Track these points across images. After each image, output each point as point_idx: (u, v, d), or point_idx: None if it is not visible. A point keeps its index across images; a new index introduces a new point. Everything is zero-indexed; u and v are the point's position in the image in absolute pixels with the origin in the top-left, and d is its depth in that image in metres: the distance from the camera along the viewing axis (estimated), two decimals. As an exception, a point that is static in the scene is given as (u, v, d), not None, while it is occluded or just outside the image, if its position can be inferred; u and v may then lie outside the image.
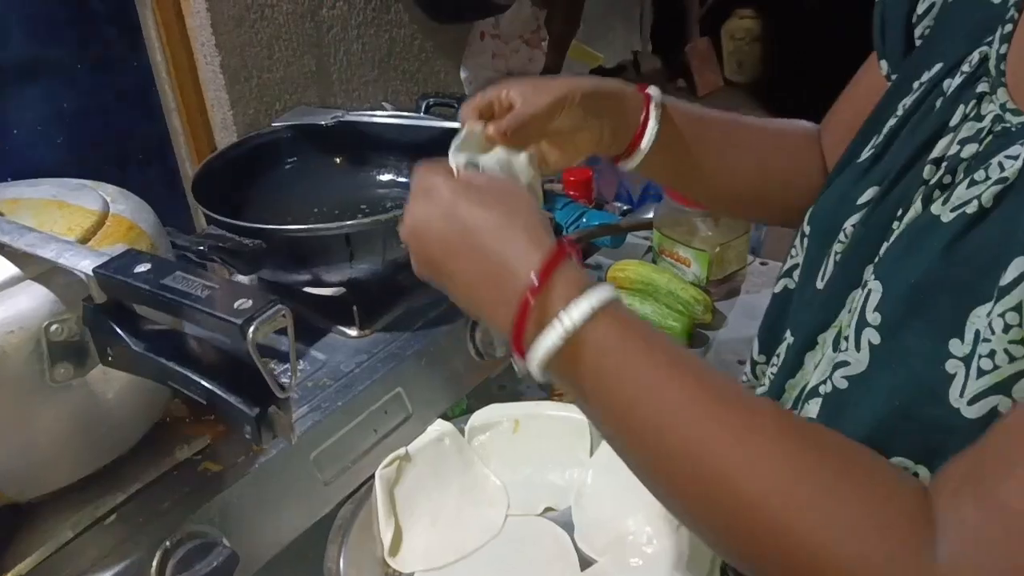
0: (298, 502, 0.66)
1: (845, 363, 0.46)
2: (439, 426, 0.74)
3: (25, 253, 0.53)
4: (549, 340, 0.42)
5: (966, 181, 0.44)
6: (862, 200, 0.53)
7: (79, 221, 0.59)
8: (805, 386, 0.52)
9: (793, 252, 0.60)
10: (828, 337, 0.52)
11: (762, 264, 1.06)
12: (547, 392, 0.85)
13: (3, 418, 0.53)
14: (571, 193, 1.12)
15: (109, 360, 0.53)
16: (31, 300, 0.53)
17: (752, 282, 1.02)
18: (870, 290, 0.46)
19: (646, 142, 0.62)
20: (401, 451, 0.71)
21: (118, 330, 0.50)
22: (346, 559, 0.63)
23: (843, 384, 0.46)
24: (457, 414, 0.79)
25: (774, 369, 0.58)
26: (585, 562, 0.65)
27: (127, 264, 0.48)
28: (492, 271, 0.45)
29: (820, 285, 0.54)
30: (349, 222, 0.72)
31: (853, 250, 0.52)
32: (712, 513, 0.41)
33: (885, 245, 0.48)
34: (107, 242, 0.58)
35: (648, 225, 1.03)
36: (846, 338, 0.47)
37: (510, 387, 0.88)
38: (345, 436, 0.69)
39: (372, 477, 0.69)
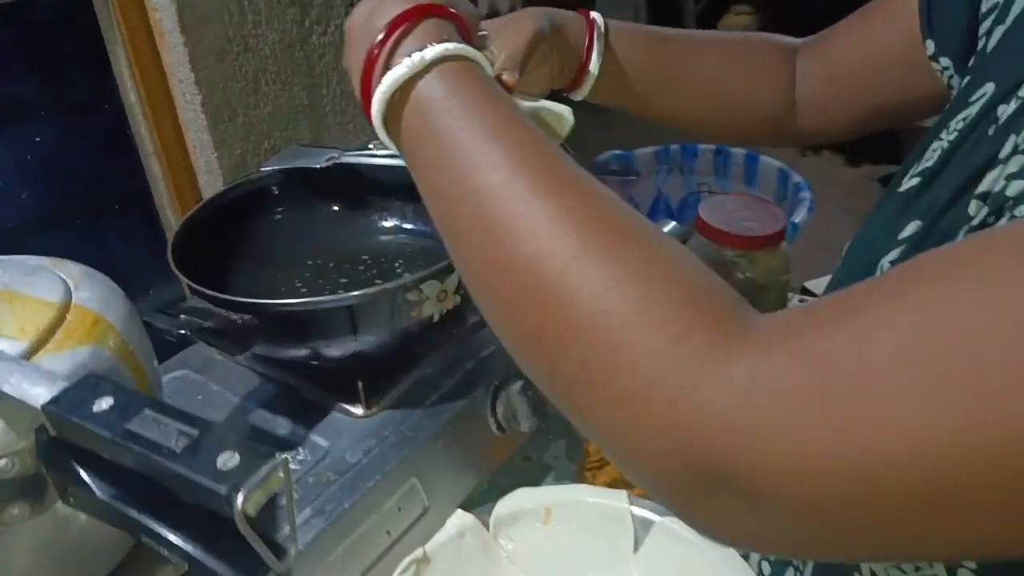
0: (303, 628, 0.57)
1: None
2: (459, 519, 0.65)
3: (-37, 372, 0.44)
4: (391, 77, 0.41)
5: (1005, 219, 0.38)
6: (903, 235, 0.46)
7: (34, 318, 0.50)
8: None
9: (832, 288, 0.53)
10: None
11: (802, 301, 0.97)
12: (576, 465, 0.77)
13: (-54, 569, 0.44)
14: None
15: (71, 502, 0.44)
16: (-27, 430, 0.44)
17: (793, 324, 0.93)
18: None
19: (591, 70, 0.62)
20: (418, 553, 0.62)
21: (79, 470, 0.41)
22: None
23: None
24: (478, 496, 0.70)
25: None
26: None
27: (84, 398, 0.39)
28: (363, 33, 0.44)
29: None
30: (352, 293, 0.63)
31: None
32: (495, 273, 0.37)
33: None
34: (68, 343, 0.49)
35: (677, 265, 0.94)
36: None
37: (535, 458, 0.79)
38: (355, 543, 0.60)
39: (387, 588, 0.60)
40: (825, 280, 1.06)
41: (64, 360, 0.48)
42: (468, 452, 0.70)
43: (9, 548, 0.47)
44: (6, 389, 0.41)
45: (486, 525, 0.66)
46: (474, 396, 0.70)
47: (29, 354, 0.48)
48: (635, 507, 0.64)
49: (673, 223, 1.37)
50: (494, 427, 0.71)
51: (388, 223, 0.85)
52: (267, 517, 0.36)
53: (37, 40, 0.83)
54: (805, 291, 0.99)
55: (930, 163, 0.49)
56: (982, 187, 0.41)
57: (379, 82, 0.41)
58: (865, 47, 0.64)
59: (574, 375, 0.33)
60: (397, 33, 0.42)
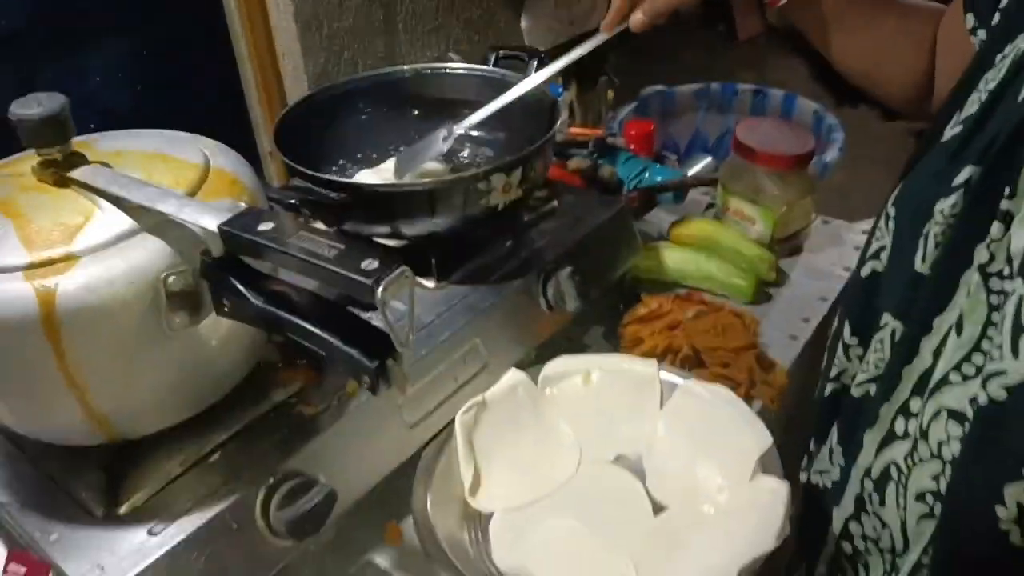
0: (386, 444, 0.69)
1: (1000, 372, 0.46)
2: (513, 375, 0.77)
3: (142, 207, 0.55)
4: None
5: None
6: (957, 181, 0.53)
7: (184, 174, 0.62)
8: (928, 372, 0.53)
9: (878, 235, 0.61)
10: (944, 321, 0.53)
11: (824, 222, 1.07)
12: (611, 346, 0.88)
13: (123, 363, 0.57)
14: (632, 147, 1.12)
15: (225, 311, 0.55)
16: (149, 252, 0.55)
17: (815, 241, 1.03)
18: (1021, 296, 0.46)
19: None
20: (479, 398, 0.74)
21: (237, 284, 0.53)
22: (431, 499, 0.67)
23: (1001, 395, 0.46)
24: (527, 365, 0.82)
25: (879, 355, 0.59)
26: (657, 507, 0.68)
27: (251, 223, 0.50)
28: None
29: (922, 268, 0.55)
30: (432, 179, 0.74)
31: (959, 231, 0.52)
32: None
33: (997, 225, 0.49)
34: (212, 196, 0.61)
35: (712, 182, 1.03)
36: (998, 347, 0.47)
37: (576, 339, 0.90)
38: (428, 384, 0.72)
39: (452, 422, 0.72)
40: (858, 225, 1.12)
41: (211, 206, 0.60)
42: (521, 324, 0.81)
43: (167, 356, 0.59)
44: (184, 216, 0.53)
45: (535, 381, 0.77)
46: (528, 278, 0.81)
47: (185, 199, 0.59)
48: (662, 372, 0.75)
49: (709, 158, 1.47)
50: (544, 305, 0.82)
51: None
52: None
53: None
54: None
55: (970, 112, 0.54)
56: None
57: None
58: (953, 28, 0.67)
59: None
60: None
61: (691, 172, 1.43)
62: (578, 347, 0.89)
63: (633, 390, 0.76)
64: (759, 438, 0.66)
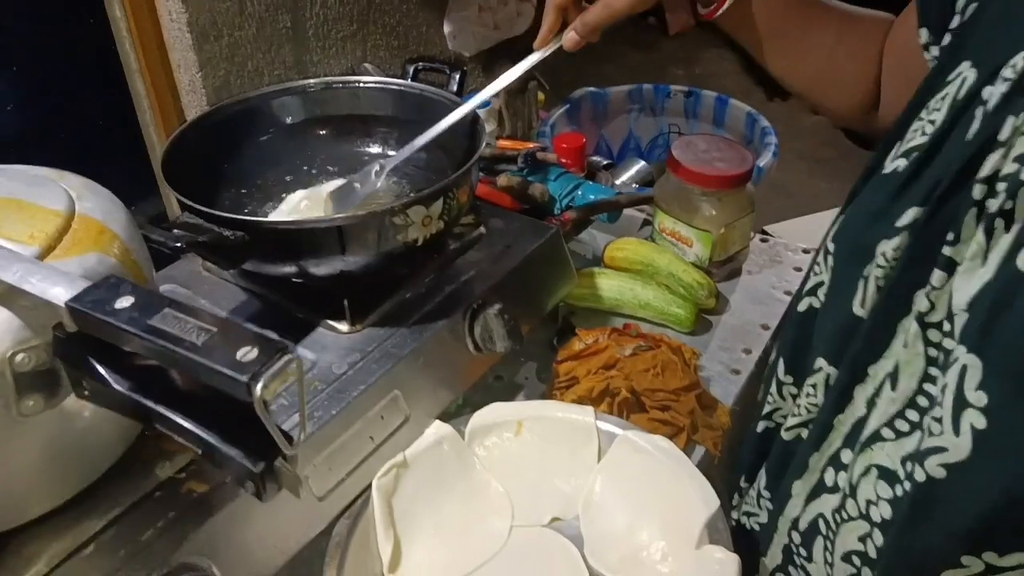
0: (291, 521, 0.61)
1: (940, 449, 0.43)
2: (437, 429, 0.70)
3: (-18, 272, 0.46)
4: None
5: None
6: (902, 222, 0.48)
7: (42, 225, 0.53)
8: (861, 423, 0.49)
9: (816, 269, 0.57)
10: (880, 369, 0.49)
11: (763, 240, 1.02)
12: (545, 385, 0.82)
13: (-35, 454, 0.48)
14: (564, 161, 1.06)
15: (85, 395, 0.47)
16: (-8, 326, 0.46)
17: (754, 261, 0.98)
18: (965, 366, 0.41)
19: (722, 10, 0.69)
20: (399, 458, 0.67)
21: (95, 365, 0.45)
22: (345, 582, 0.60)
23: (940, 473, 0.43)
24: (453, 411, 0.75)
25: (811, 400, 0.55)
26: (596, 579, 0.62)
27: (106, 297, 0.42)
28: None
29: (859, 311, 0.51)
30: (342, 215, 0.66)
31: (900, 277, 0.48)
32: None
33: (938, 272, 0.44)
34: (76, 250, 0.52)
35: (648, 200, 0.98)
36: (938, 420, 0.43)
37: (507, 378, 0.84)
38: (340, 447, 0.64)
39: (369, 488, 0.65)
40: (784, 225, 1.11)
41: (72, 265, 0.51)
42: (446, 369, 0.74)
43: (21, 442, 0.50)
44: (28, 288, 0.44)
45: (462, 435, 0.70)
46: (453, 317, 0.74)
47: (39, 259, 0.51)
48: (600, 421, 0.69)
49: (642, 162, 1.42)
50: (471, 347, 0.76)
51: (373, 149, 0.87)
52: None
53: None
54: (765, 234, 1.04)
55: (913, 143, 0.50)
56: (984, 171, 0.43)
57: None
58: (902, 40, 0.63)
59: None
60: None
61: (624, 177, 1.38)
62: (509, 387, 0.83)
63: (568, 442, 0.70)
64: (705, 500, 0.61)
